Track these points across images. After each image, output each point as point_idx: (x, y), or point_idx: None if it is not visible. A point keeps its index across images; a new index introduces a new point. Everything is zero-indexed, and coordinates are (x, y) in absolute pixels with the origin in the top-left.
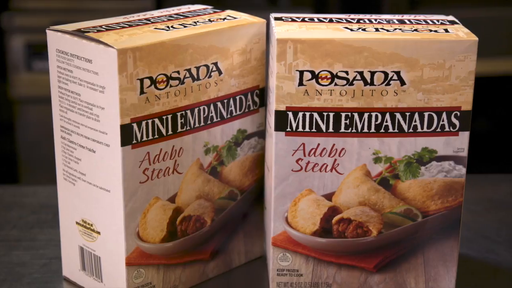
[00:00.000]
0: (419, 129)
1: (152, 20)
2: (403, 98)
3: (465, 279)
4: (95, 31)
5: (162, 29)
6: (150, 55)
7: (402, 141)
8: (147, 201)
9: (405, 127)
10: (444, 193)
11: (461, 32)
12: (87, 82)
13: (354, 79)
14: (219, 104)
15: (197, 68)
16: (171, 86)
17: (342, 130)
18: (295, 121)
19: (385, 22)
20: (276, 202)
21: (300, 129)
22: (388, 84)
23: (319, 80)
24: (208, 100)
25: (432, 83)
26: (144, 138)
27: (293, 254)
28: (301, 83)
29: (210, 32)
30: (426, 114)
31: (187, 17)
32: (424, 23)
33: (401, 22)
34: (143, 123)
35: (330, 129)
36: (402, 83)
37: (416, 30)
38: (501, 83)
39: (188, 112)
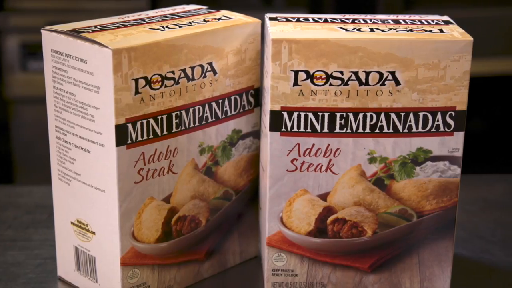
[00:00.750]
0: (414, 129)
1: (147, 20)
2: (398, 98)
3: (460, 279)
4: (90, 31)
5: (157, 29)
6: (145, 55)
7: (397, 141)
8: (142, 201)
9: (400, 127)
10: (439, 193)
11: (456, 32)
12: (82, 82)
13: (349, 79)
14: (214, 104)
15: (192, 68)
16: (166, 86)
17: (337, 130)
18: (290, 121)
19: (380, 22)
20: (271, 202)
21: (295, 129)
22: (383, 84)
23: (314, 80)
24: (203, 100)
25: (427, 83)
26: (139, 138)
27: (288, 254)
28: (296, 83)
29: (205, 32)
30: (421, 114)
31: (182, 17)
32: (419, 23)
33: (396, 22)
34: (138, 123)
35: (325, 129)
36: (397, 83)
37: (411, 30)
38: (496, 83)
39: (183, 112)
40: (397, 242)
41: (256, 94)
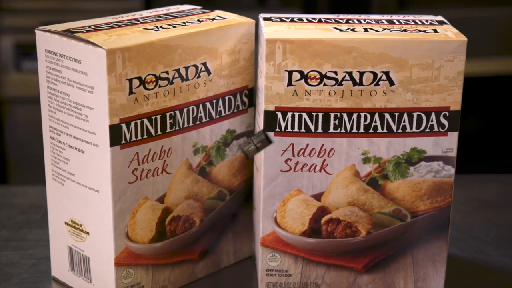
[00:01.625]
0: (408, 129)
1: (141, 20)
2: (392, 98)
3: (454, 279)
4: (84, 31)
5: (151, 29)
6: (139, 55)
7: (391, 141)
8: (136, 201)
9: (394, 127)
10: (433, 193)
11: (450, 32)
12: (76, 82)
13: (343, 79)
14: (208, 104)
15: (186, 68)
16: (160, 86)
17: (331, 130)
18: (284, 121)
19: (374, 22)
20: (265, 202)
21: (289, 129)
22: (377, 84)
23: (308, 80)
24: (197, 100)
25: (421, 83)
26: (133, 138)
27: (282, 254)
28: (290, 83)
29: (199, 32)
30: (415, 114)
31: (176, 17)
32: (413, 23)
33: (390, 22)
34: (132, 123)
35: (319, 129)
36: (391, 83)
37: (405, 30)
38: (490, 83)
39: (177, 112)
40: (391, 242)
41: (250, 94)
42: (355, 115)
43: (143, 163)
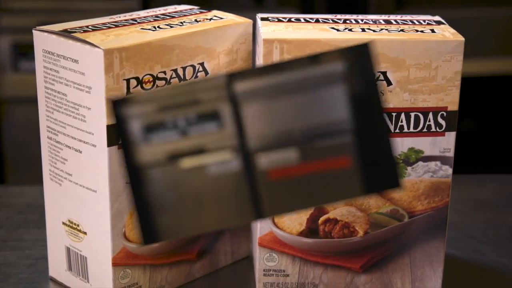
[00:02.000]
0: (406, 129)
1: (138, 21)
2: (389, 98)
3: (452, 279)
4: (82, 31)
5: (149, 29)
6: (136, 55)
7: None
8: None
9: (392, 127)
10: (430, 193)
11: (447, 33)
12: (74, 82)
13: None
14: None
15: (184, 69)
16: (157, 86)
17: None
18: None
19: (371, 22)
20: None
21: None
22: None
23: None
24: None
25: (418, 83)
26: None
27: (280, 254)
28: None
29: (197, 32)
30: (412, 114)
31: (173, 17)
32: (410, 23)
33: (388, 22)
34: None
35: None
36: (389, 83)
37: (402, 30)
38: (487, 83)
39: None
40: (388, 242)
41: None
42: None
43: None
